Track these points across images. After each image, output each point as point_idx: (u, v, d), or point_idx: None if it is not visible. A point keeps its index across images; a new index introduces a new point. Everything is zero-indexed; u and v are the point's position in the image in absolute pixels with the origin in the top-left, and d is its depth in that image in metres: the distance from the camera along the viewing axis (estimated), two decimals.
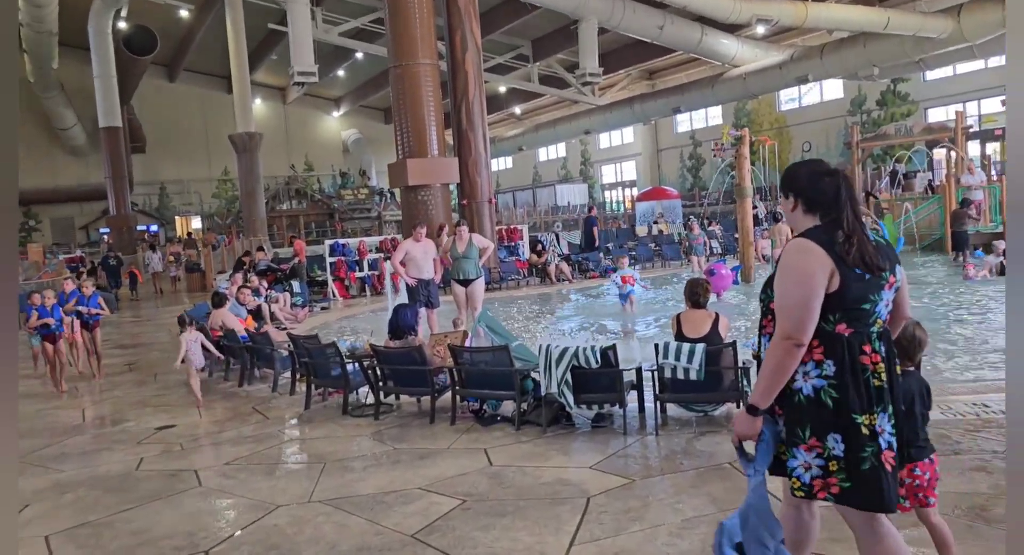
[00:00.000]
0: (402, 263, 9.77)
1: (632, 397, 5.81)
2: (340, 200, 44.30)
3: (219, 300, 9.50)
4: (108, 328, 14.19)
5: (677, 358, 5.36)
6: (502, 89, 38.95)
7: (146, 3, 31.26)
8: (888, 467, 2.47)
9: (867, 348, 2.53)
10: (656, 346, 5.59)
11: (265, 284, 13.90)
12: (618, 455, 5.14)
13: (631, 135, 43.89)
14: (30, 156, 42.09)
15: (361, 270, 15.64)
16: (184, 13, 32.46)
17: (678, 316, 6.00)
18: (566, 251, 16.90)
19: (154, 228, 43.28)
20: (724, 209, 31.49)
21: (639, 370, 5.77)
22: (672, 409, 5.93)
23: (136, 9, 32.84)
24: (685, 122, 41.31)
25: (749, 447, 2.60)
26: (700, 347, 5.40)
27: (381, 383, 6.79)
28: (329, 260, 15.43)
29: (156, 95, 43.52)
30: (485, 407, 6.33)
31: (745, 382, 5.40)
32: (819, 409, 2.50)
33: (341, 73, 41.31)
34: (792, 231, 2.75)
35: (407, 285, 9.83)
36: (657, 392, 5.68)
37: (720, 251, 17.16)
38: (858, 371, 2.50)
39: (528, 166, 50.58)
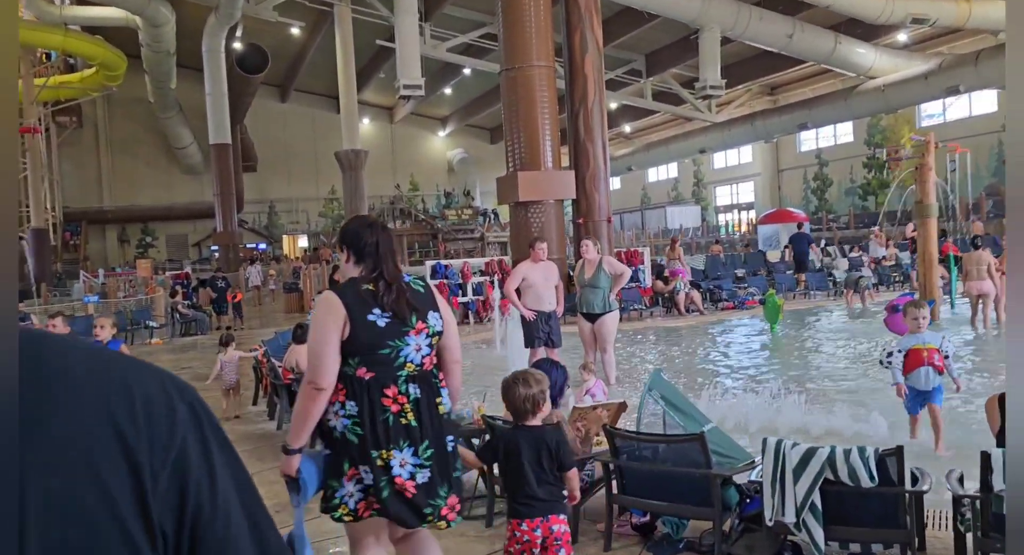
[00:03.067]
0: (517, 291, 7.80)
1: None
2: (444, 220, 43.68)
3: (301, 334, 7.99)
4: (191, 353, 13.31)
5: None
6: (613, 106, 37.32)
7: (259, 22, 31.42)
8: (408, 494, 2.75)
9: (390, 391, 2.78)
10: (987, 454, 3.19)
11: None
12: None
13: (749, 154, 41.39)
14: (149, 174, 43.47)
15: (464, 295, 14.19)
16: (296, 30, 32.53)
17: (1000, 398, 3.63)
18: (689, 277, 15.00)
19: (262, 246, 43.75)
20: (855, 234, 28.76)
21: (956, 498, 3.39)
22: None
23: (250, 28, 33.18)
24: (810, 140, 38.58)
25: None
26: None
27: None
28: (431, 283, 14.09)
29: (268, 115, 44.25)
30: (659, 524, 4.22)
31: None
32: (347, 445, 2.78)
33: (448, 91, 40.77)
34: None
35: (522, 319, 7.87)
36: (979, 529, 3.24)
37: (876, 282, 14.62)
38: (376, 411, 2.76)
39: (637, 187, 48.64)
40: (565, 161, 15.64)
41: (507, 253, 43.44)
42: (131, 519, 0.63)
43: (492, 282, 14.05)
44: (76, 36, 28.66)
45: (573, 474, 3.16)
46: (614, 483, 4.10)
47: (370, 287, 2.81)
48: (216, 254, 35.06)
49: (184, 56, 32.35)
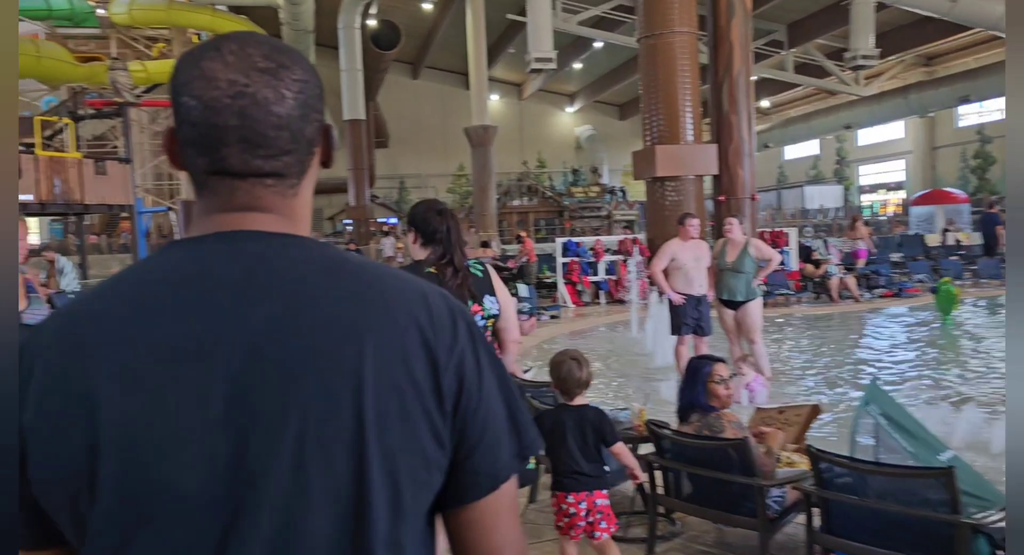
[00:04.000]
0: (664, 272, 7.05)
1: None
2: (571, 198, 43.18)
3: None
4: None
5: None
6: (751, 79, 35.58)
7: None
8: None
9: None
10: None
11: None
12: None
13: (900, 130, 38.46)
14: None
15: (596, 274, 13.68)
16: (428, 6, 32.77)
17: None
18: (837, 260, 13.82)
19: (393, 220, 44.66)
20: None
21: None
22: None
23: (384, 5, 33.71)
24: (970, 115, 35.39)
25: None
26: None
27: (663, 491, 3.93)
28: (561, 260, 13.65)
29: (399, 92, 44.95)
30: None
31: None
32: None
33: (578, 66, 40.05)
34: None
35: (670, 304, 7.15)
36: None
37: None
38: None
39: (772, 165, 46.29)
40: (706, 135, 14.75)
41: (635, 231, 42.61)
42: (428, 395, 0.84)
43: (625, 261, 13.47)
44: (223, 16, 29.90)
45: (620, 448, 3.25)
46: (815, 516, 3.34)
47: (432, 270, 2.90)
48: (349, 228, 36.01)
49: (321, 34, 33.17)
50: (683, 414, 3.80)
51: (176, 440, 0.78)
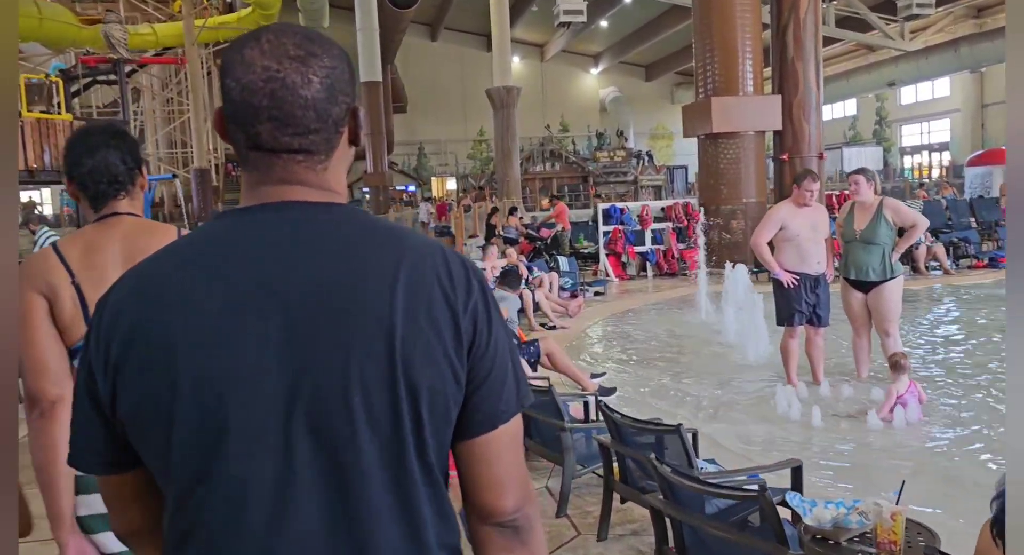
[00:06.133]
0: (770, 244, 5.55)
1: None
2: (595, 162, 41.68)
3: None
4: None
5: None
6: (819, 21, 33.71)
7: None
8: None
9: None
10: None
11: (524, 259, 11.04)
12: None
13: (946, 88, 36.42)
14: None
15: (642, 243, 12.23)
16: None
17: None
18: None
19: (411, 188, 43.36)
20: None
21: None
22: None
23: None
24: None
25: None
26: None
27: None
28: (603, 229, 12.22)
29: (417, 55, 43.47)
30: None
31: None
32: None
33: (603, 24, 38.23)
34: None
35: (776, 285, 5.60)
36: None
37: None
38: None
39: None
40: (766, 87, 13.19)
41: (661, 197, 41.04)
42: (448, 340, 0.95)
43: (676, 230, 12.03)
44: None
45: None
46: None
47: None
48: (367, 195, 34.77)
49: None
50: None
51: (240, 381, 0.90)
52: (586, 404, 3.92)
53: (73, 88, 16.17)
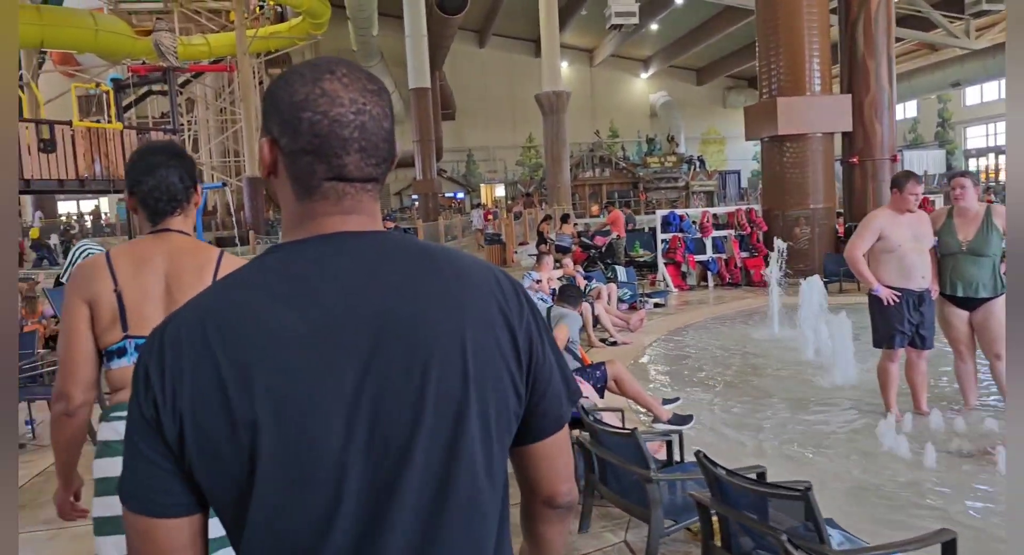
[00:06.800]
0: (865, 256, 4.89)
1: None
2: (645, 168, 41.02)
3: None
4: None
5: None
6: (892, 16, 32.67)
7: None
8: None
9: None
10: None
11: (580, 270, 10.58)
12: None
13: None
14: None
15: (702, 252, 11.64)
16: None
17: None
18: None
19: (460, 195, 43.20)
20: None
21: None
22: None
23: None
24: None
25: None
26: None
27: None
28: (662, 236, 11.66)
29: (466, 61, 43.37)
30: None
31: None
32: None
33: (654, 27, 37.60)
34: None
35: (873, 303, 4.95)
36: None
37: None
38: None
39: None
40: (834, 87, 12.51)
41: (714, 202, 40.13)
42: (510, 357, 0.99)
43: (738, 238, 11.44)
44: None
45: None
46: None
47: None
48: (416, 203, 34.67)
49: (384, 4, 31.73)
50: None
51: (321, 412, 0.90)
52: (669, 444, 3.43)
53: (126, 99, 16.25)
